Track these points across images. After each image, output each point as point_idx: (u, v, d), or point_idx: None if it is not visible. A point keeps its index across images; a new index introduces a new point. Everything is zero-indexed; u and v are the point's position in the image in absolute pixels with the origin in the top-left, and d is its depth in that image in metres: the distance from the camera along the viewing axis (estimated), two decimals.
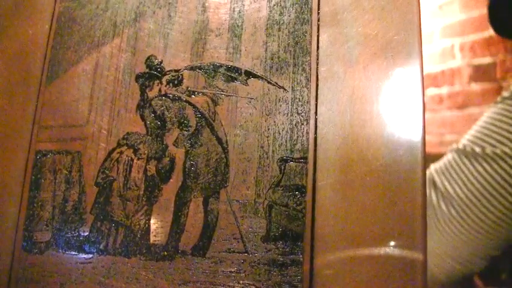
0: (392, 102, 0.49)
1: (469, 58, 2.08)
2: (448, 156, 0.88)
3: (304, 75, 0.51)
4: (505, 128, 0.79)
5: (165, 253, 0.50)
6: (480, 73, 2.03)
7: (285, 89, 0.51)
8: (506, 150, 0.76)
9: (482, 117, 0.87)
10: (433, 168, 0.90)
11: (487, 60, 2.01)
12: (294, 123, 0.50)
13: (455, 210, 0.80)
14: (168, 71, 0.54)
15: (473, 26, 2.08)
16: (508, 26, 1.03)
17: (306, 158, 0.49)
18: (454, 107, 2.12)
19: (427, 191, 0.84)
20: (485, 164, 0.78)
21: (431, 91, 2.24)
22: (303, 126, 0.50)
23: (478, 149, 0.80)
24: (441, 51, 2.22)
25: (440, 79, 2.22)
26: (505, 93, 0.84)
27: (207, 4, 0.55)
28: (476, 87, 2.04)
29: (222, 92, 0.52)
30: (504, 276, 0.91)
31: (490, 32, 2.00)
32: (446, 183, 0.83)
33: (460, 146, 0.86)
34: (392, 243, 0.46)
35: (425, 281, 0.45)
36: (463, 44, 2.12)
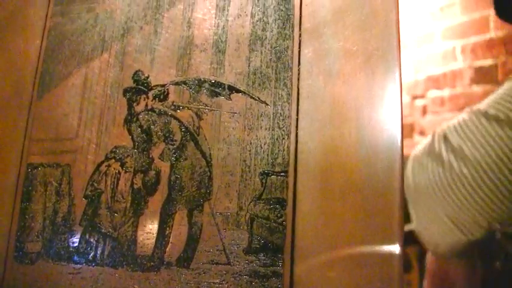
0: (371, 116, 0.50)
1: (470, 60, 2.08)
2: (464, 116, 0.84)
3: (285, 90, 0.52)
4: None
5: (151, 264, 0.51)
6: (481, 75, 2.02)
7: (266, 104, 0.52)
8: None
9: (502, 87, 0.84)
10: (445, 125, 0.86)
11: (488, 62, 2.00)
12: (275, 137, 0.51)
13: (468, 170, 0.78)
14: (154, 85, 0.56)
15: (474, 28, 2.07)
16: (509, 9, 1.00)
17: (286, 172, 0.50)
18: (455, 109, 2.12)
19: (436, 145, 0.84)
20: (507, 129, 0.76)
21: (432, 93, 2.24)
22: (284, 140, 0.51)
23: (501, 115, 0.78)
24: (443, 54, 2.22)
25: (442, 81, 2.22)
26: None
27: (192, 20, 0.56)
28: (477, 89, 2.03)
29: (206, 107, 0.53)
30: (498, 264, 0.89)
31: (491, 34, 2.00)
32: (461, 142, 0.80)
33: (481, 107, 0.82)
34: (370, 252, 0.47)
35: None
36: (464, 46, 2.12)
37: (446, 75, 2.20)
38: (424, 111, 2.28)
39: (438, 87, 2.22)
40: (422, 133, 2.23)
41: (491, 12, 1.97)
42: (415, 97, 2.33)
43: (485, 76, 2.02)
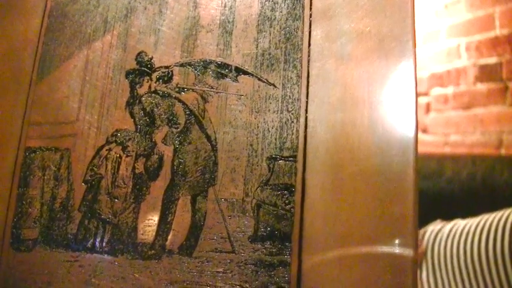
0: (385, 100, 0.47)
1: (474, 58, 2.06)
2: None
3: (295, 72, 0.50)
4: None
5: (152, 252, 0.49)
6: (486, 73, 2.00)
7: (275, 86, 0.50)
8: None
9: None
10: None
11: (492, 60, 1.98)
12: (284, 121, 0.49)
13: None
14: (158, 67, 0.53)
15: (479, 26, 2.05)
16: None
17: (295, 157, 0.48)
18: (459, 107, 2.10)
19: None
20: None
21: (436, 91, 2.22)
22: (293, 124, 0.49)
23: None
24: (447, 51, 2.20)
25: (446, 79, 2.19)
26: None
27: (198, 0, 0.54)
28: (481, 87, 2.01)
29: (211, 89, 0.51)
30: None
31: (496, 32, 1.98)
32: None
33: None
34: (382, 243, 0.45)
35: (415, 281, 0.44)
36: (469, 43, 2.10)
37: (450, 72, 2.18)
38: (428, 108, 2.26)
39: (442, 85, 2.20)
40: (425, 131, 2.21)
41: (496, 9, 1.95)
42: (418, 94, 2.31)
43: (489, 74, 2.00)
